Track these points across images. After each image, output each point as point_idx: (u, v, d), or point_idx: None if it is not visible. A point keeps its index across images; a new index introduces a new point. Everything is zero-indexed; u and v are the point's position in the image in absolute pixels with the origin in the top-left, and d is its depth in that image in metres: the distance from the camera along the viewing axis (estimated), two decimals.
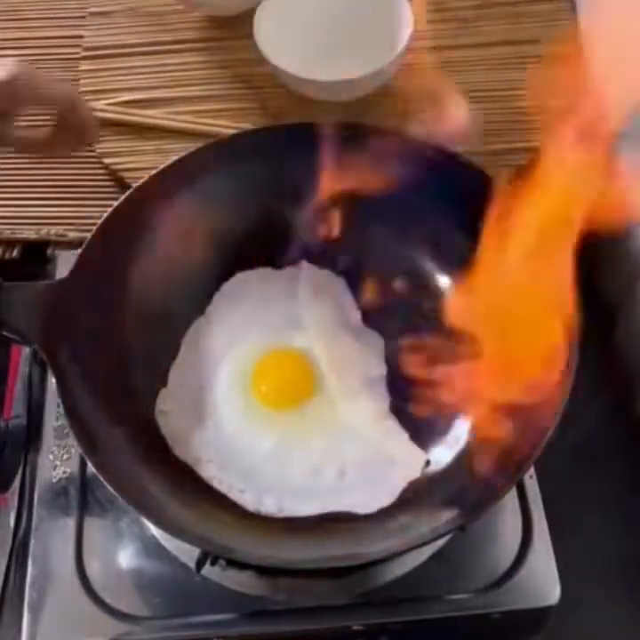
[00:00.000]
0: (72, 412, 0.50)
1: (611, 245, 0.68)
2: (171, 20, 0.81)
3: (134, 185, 0.60)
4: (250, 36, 0.71)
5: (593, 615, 0.56)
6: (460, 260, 0.59)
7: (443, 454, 0.54)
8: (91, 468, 0.49)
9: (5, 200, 0.73)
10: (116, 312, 0.57)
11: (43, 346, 0.52)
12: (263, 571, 0.53)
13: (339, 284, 0.62)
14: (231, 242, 0.61)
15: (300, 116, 0.72)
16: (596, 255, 0.69)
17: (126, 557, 0.56)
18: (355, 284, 0.61)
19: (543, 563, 0.54)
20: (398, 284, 0.60)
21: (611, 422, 0.61)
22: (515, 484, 0.54)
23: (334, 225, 0.59)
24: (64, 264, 0.64)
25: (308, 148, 0.56)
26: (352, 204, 0.56)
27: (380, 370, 0.58)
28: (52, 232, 0.71)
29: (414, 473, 0.54)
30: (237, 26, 0.77)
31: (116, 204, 0.58)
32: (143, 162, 0.72)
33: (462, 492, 0.50)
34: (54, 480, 0.59)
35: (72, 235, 0.71)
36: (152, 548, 0.56)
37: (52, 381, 0.52)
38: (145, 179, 0.59)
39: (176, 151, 0.61)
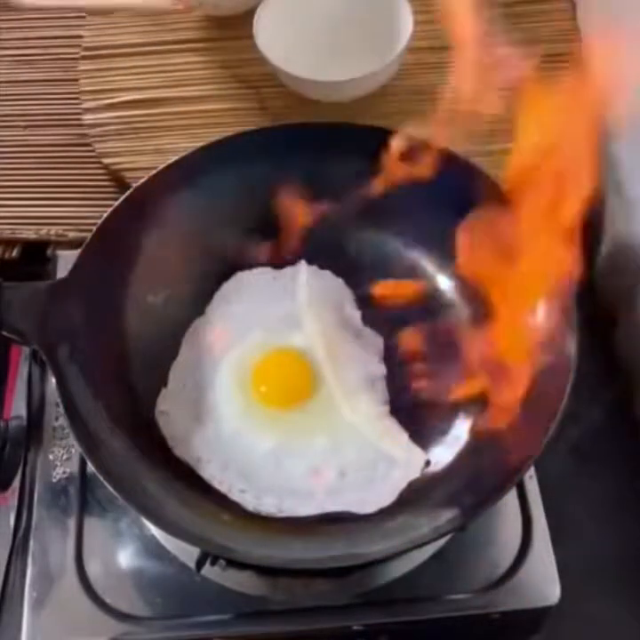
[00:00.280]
0: (72, 411, 0.50)
1: (611, 245, 0.68)
2: (171, 19, 0.81)
3: (134, 185, 0.60)
4: (250, 36, 0.71)
5: (593, 615, 0.56)
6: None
7: (443, 454, 0.54)
8: (91, 467, 0.49)
9: (5, 200, 0.73)
10: (115, 312, 0.57)
11: (42, 346, 0.52)
12: (263, 571, 0.53)
13: (339, 284, 0.62)
14: (231, 242, 0.61)
15: (300, 116, 0.72)
16: (596, 255, 0.69)
17: (126, 557, 0.56)
18: (355, 284, 0.61)
19: (543, 563, 0.54)
20: (398, 284, 0.60)
21: (611, 422, 0.61)
22: (515, 484, 0.54)
23: (334, 225, 0.59)
24: (64, 264, 0.64)
25: (308, 148, 0.56)
26: (352, 203, 0.56)
27: (379, 369, 0.58)
28: (52, 232, 0.71)
29: (414, 473, 0.54)
30: (237, 26, 0.77)
31: (115, 204, 0.58)
32: (143, 162, 0.72)
33: (462, 491, 0.50)
34: (54, 480, 0.59)
35: (72, 235, 0.71)
36: (152, 548, 0.56)
37: (51, 381, 0.52)
38: (145, 179, 0.59)
39: (176, 151, 0.61)
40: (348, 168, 0.58)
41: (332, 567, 0.49)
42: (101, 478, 0.48)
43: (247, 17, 0.73)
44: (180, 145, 0.71)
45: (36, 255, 0.71)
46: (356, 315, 0.61)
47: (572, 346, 0.49)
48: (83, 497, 0.57)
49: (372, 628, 0.53)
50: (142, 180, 0.59)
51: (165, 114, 0.76)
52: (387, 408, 0.57)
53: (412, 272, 0.61)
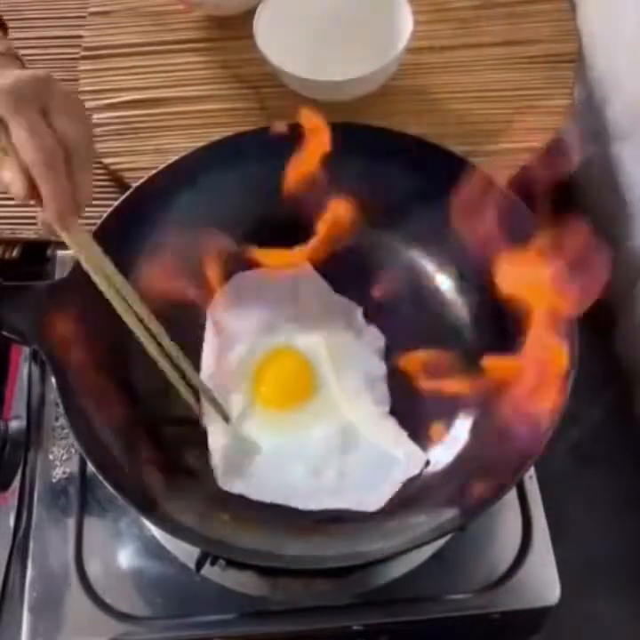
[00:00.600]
0: (72, 412, 0.50)
1: (611, 246, 0.68)
2: (171, 19, 0.81)
3: (134, 185, 0.60)
4: (250, 36, 0.71)
5: (593, 615, 0.56)
6: (460, 259, 0.59)
7: (443, 454, 0.54)
8: (91, 467, 0.49)
9: (5, 200, 0.73)
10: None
11: (43, 346, 0.52)
12: (263, 571, 0.53)
13: (339, 284, 0.62)
14: (231, 242, 0.61)
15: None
16: None
17: (126, 557, 0.56)
18: (355, 284, 0.61)
19: (543, 563, 0.54)
20: (398, 284, 0.60)
21: (611, 422, 0.61)
22: (515, 484, 0.54)
23: (334, 224, 0.59)
24: (64, 264, 0.64)
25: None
26: (352, 203, 0.56)
27: (380, 369, 0.58)
28: None
29: (414, 472, 0.54)
30: (237, 26, 0.77)
31: (115, 203, 0.58)
32: (143, 162, 0.72)
33: (462, 492, 0.50)
34: (54, 480, 0.59)
35: None
36: (152, 548, 0.56)
37: (51, 381, 0.52)
38: (145, 179, 0.59)
39: (176, 151, 0.61)
40: (348, 168, 0.58)
41: (331, 567, 0.49)
42: (101, 478, 0.48)
43: (247, 17, 0.73)
44: (180, 145, 0.71)
45: (35, 255, 0.71)
46: (356, 314, 0.61)
47: (571, 346, 0.49)
48: (83, 497, 0.57)
49: (372, 627, 0.53)
50: (142, 180, 0.59)
51: (165, 114, 0.76)
52: (387, 408, 0.57)
53: (412, 271, 0.61)
